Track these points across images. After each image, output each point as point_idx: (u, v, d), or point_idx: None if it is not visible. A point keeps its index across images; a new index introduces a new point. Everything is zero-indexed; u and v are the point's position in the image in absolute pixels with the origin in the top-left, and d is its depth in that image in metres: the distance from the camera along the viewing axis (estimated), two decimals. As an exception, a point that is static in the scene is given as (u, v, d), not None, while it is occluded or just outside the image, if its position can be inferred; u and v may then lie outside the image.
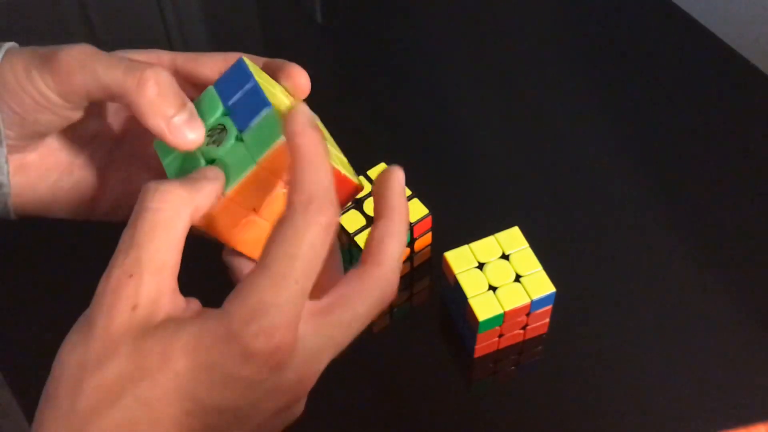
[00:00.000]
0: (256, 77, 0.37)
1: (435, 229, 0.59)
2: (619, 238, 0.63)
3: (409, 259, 0.60)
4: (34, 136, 0.40)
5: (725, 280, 0.61)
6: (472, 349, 0.56)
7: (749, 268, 0.61)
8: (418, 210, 0.57)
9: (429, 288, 0.61)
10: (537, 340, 0.57)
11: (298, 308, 0.32)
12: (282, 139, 0.34)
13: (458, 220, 0.63)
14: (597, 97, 0.74)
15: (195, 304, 0.34)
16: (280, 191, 0.37)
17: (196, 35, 0.85)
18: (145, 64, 0.36)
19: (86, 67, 0.36)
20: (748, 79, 0.73)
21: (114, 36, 0.82)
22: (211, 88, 0.38)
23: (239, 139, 0.36)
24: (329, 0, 0.84)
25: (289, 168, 0.33)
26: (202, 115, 0.37)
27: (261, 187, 0.36)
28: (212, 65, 0.40)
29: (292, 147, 0.33)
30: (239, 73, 0.38)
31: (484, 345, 0.56)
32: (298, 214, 0.32)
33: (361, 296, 0.34)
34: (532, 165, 0.69)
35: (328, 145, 0.37)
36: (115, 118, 0.43)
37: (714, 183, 0.67)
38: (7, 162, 0.39)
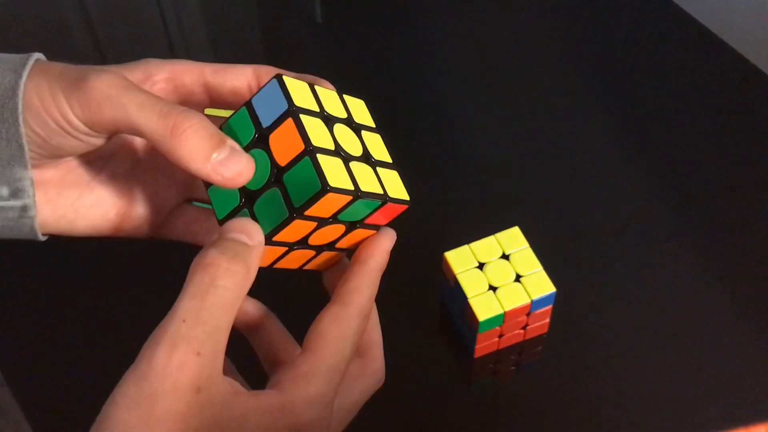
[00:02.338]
0: (297, 99, 0.35)
1: (435, 229, 0.59)
2: (619, 238, 0.63)
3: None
4: (53, 157, 0.38)
5: (725, 280, 0.61)
6: (472, 349, 0.56)
7: (749, 268, 0.61)
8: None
9: (429, 288, 0.61)
10: (537, 340, 0.57)
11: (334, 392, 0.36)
12: (320, 190, 0.33)
13: (458, 220, 0.63)
14: (597, 97, 0.74)
15: (237, 382, 0.34)
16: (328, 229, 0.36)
17: (196, 35, 0.85)
18: (178, 108, 0.35)
19: (116, 102, 0.35)
20: (748, 79, 0.73)
21: (114, 36, 0.82)
22: (243, 108, 0.36)
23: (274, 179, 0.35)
24: (329, 0, 0.84)
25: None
26: (236, 139, 0.36)
27: (297, 229, 0.35)
28: (242, 78, 0.39)
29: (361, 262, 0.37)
30: (274, 93, 0.35)
31: (484, 345, 0.55)
32: (353, 317, 0.36)
33: (361, 387, 0.39)
34: (532, 165, 0.69)
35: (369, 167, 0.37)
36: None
37: (714, 183, 0.67)
38: (32, 185, 0.38)
